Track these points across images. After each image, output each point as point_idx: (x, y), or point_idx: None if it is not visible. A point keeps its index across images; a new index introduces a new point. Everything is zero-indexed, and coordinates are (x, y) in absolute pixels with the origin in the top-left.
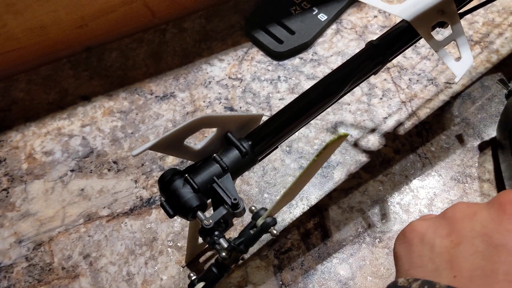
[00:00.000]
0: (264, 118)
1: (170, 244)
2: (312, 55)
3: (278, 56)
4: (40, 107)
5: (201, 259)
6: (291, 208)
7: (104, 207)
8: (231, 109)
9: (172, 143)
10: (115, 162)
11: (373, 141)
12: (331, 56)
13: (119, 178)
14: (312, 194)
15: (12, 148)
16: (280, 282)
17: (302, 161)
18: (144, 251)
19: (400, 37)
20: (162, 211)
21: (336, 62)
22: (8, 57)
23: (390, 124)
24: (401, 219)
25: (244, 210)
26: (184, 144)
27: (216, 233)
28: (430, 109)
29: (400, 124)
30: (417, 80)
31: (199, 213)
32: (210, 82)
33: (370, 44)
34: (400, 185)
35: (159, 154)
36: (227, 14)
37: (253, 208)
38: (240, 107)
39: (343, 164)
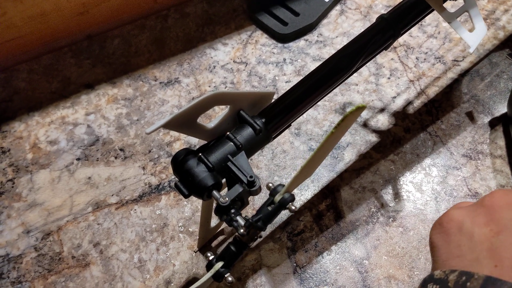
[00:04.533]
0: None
1: (181, 230)
2: (317, 36)
3: (283, 39)
4: (42, 96)
5: (213, 244)
6: (302, 190)
7: (112, 195)
8: None
9: (185, 121)
10: (121, 150)
11: (382, 121)
12: (337, 37)
13: (127, 165)
14: (323, 175)
15: (16, 138)
16: (295, 264)
17: (311, 143)
18: (155, 238)
19: (411, 10)
20: (172, 197)
21: (342, 43)
22: (8, 47)
23: (399, 103)
24: (414, 198)
25: (260, 188)
26: (197, 122)
27: (233, 211)
28: (439, 87)
29: (409, 103)
30: (425, 59)
31: (215, 192)
32: (214, 66)
33: (381, 18)
34: (411, 163)
35: (166, 140)
36: None
37: (270, 185)
38: None
39: (353, 144)
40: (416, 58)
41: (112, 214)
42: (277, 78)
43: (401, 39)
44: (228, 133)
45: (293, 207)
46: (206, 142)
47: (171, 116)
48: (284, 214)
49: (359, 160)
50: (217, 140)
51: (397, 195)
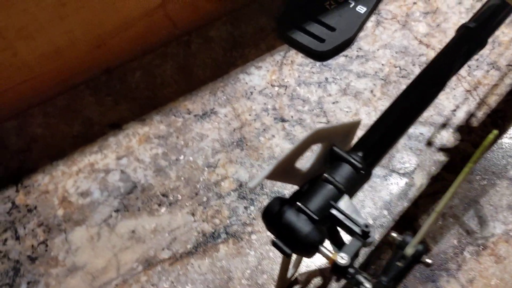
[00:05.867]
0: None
1: (249, 283)
2: (357, 51)
3: (320, 56)
4: (64, 142)
5: None
6: (369, 219)
7: (162, 249)
8: (282, 119)
9: (286, 167)
10: (164, 195)
11: (447, 137)
12: (378, 50)
13: (173, 213)
14: (395, 204)
15: (42, 193)
16: None
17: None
18: None
19: (495, 15)
20: (231, 244)
21: (385, 56)
22: (21, 89)
23: (460, 116)
24: (502, 220)
25: (374, 238)
26: (295, 167)
27: (352, 270)
28: (499, 95)
29: (471, 115)
30: (477, 66)
31: (322, 248)
32: (251, 92)
33: (464, 28)
34: (490, 181)
35: (213, 179)
36: (253, 17)
37: (394, 235)
38: (292, 116)
39: (421, 167)
40: (468, 66)
41: (167, 272)
42: (322, 99)
43: None
44: (325, 174)
45: (429, 260)
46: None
47: (274, 165)
48: (362, 252)
49: (432, 184)
50: (312, 184)
51: (481, 219)
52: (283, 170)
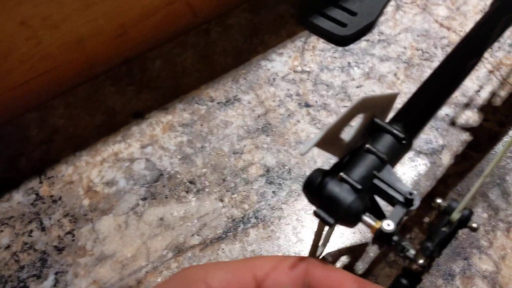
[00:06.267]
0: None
1: None
2: (378, 35)
3: (342, 41)
4: (87, 132)
5: None
6: None
7: (192, 235)
8: (307, 104)
9: (332, 136)
10: (191, 182)
11: (472, 117)
12: (399, 34)
13: (201, 200)
14: (424, 184)
15: (66, 183)
16: None
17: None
18: None
19: None
20: (261, 229)
21: (407, 39)
22: (43, 80)
23: (484, 96)
24: None
25: (418, 206)
26: (340, 137)
27: (396, 238)
28: None
29: (496, 95)
30: (499, 47)
31: (365, 217)
32: (274, 79)
33: (497, 1)
34: None
35: (239, 165)
36: (273, 4)
37: (439, 201)
38: (316, 101)
39: (448, 147)
40: (490, 48)
41: (198, 257)
42: (346, 84)
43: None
44: (367, 145)
45: (474, 225)
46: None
47: (324, 131)
48: None
49: (460, 163)
50: (353, 155)
51: (511, 197)
52: (330, 139)
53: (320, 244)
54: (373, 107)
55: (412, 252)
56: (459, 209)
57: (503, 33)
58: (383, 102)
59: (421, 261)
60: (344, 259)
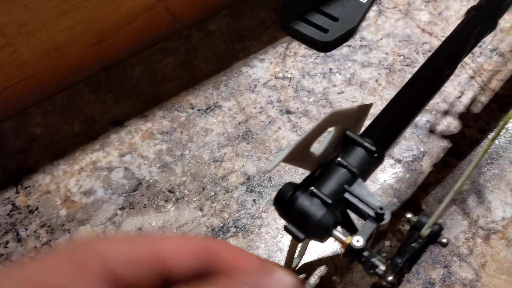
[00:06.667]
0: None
1: None
2: (360, 41)
3: (324, 47)
4: (65, 141)
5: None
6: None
7: None
8: (288, 111)
9: (301, 151)
10: (170, 191)
11: (454, 124)
12: (381, 39)
13: (181, 209)
14: (405, 192)
15: (43, 193)
16: None
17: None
18: None
19: None
20: (241, 238)
21: (389, 45)
22: (19, 88)
23: (465, 102)
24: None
25: (388, 220)
26: (310, 151)
27: (366, 253)
28: (503, 80)
29: (477, 101)
30: (480, 53)
31: (336, 232)
32: (255, 85)
33: (473, 10)
34: (498, 166)
35: (220, 173)
36: (254, 10)
37: (409, 216)
38: (297, 108)
39: (430, 153)
40: (472, 53)
41: None
42: (327, 90)
43: None
44: (338, 159)
45: (444, 240)
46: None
47: (291, 147)
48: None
49: (441, 170)
50: (325, 169)
51: (491, 204)
52: (299, 154)
53: (296, 255)
54: (345, 120)
55: (381, 268)
56: (429, 225)
57: (478, 43)
58: (355, 114)
59: (390, 278)
60: (323, 269)
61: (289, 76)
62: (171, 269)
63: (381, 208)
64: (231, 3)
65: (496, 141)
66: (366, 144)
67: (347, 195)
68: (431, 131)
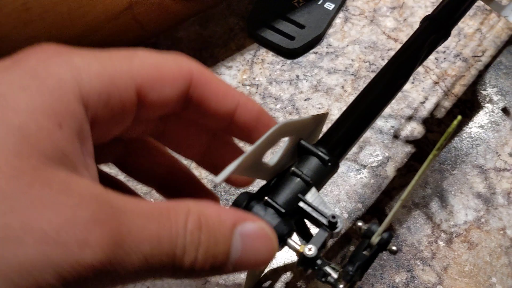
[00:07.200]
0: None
1: (226, 284)
2: (326, 47)
3: (291, 54)
4: None
5: None
6: (350, 215)
7: None
8: None
9: (253, 162)
10: None
11: (417, 129)
12: (347, 46)
13: None
14: (369, 197)
15: None
16: None
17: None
18: None
19: (458, 5)
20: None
21: (354, 51)
22: None
23: (429, 107)
24: (475, 208)
25: (342, 228)
26: (262, 161)
27: (319, 262)
28: (466, 85)
29: (441, 106)
30: (444, 58)
31: (290, 241)
32: None
33: (427, 20)
34: (460, 170)
35: None
36: (222, 17)
37: (359, 224)
38: None
39: (394, 159)
40: (436, 59)
41: None
42: (294, 97)
43: None
44: (293, 168)
45: (394, 248)
46: (265, 182)
47: (240, 159)
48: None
49: (404, 175)
50: (280, 178)
51: (454, 207)
52: (250, 165)
53: None
54: (298, 130)
55: (334, 276)
56: (378, 233)
57: (431, 53)
58: (310, 124)
59: (341, 286)
60: (288, 275)
61: (257, 83)
62: (146, 100)
63: (333, 217)
64: (199, 10)
65: (459, 145)
66: (320, 153)
67: (301, 204)
68: (395, 136)
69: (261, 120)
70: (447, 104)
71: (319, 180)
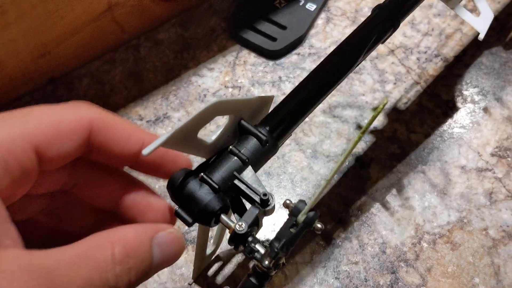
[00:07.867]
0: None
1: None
2: (308, 48)
3: (273, 55)
4: None
5: (209, 273)
6: (337, 217)
7: None
8: None
9: (185, 137)
10: None
11: (400, 130)
12: (329, 47)
13: None
14: (352, 198)
15: None
16: None
17: (331, 165)
18: None
19: None
20: (190, 251)
21: None
22: None
23: (411, 108)
24: (457, 208)
25: (274, 206)
26: (197, 137)
27: (250, 239)
28: (448, 85)
29: (423, 107)
30: (426, 58)
31: (223, 216)
32: (205, 95)
33: (378, 8)
34: (443, 171)
35: None
36: (203, 18)
37: (288, 202)
38: None
39: (376, 160)
40: (417, 59)
41: None
42: (277, 99)
43: (397, 41)
44: (230, 147)
45: (319, 225)
46: (204, 159)
47: (171, 132)
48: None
49: (388, 176)
50: (218, 156)
51: (436, 208)
52: (183, 140)
53: (211, 243)
54: (238, 110)
55: (261, 252)
56: (304, 212)
57: (379, 43)
58: (253, 105)
59: (266, 263)
60: (240, 256)
61: (239, 85)
62: (45, 157)
63: (265, 194)
64: (180, 12)
65: (441, 146)
66: (258, 134)
67: (236, 182)
68: (378, 137)
69: (167, 156)
70: (430, 105)
71: (256, 159)
